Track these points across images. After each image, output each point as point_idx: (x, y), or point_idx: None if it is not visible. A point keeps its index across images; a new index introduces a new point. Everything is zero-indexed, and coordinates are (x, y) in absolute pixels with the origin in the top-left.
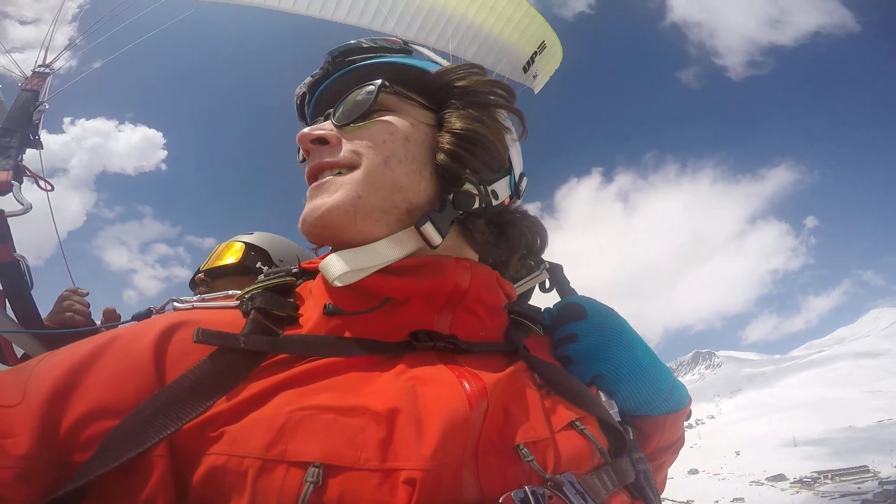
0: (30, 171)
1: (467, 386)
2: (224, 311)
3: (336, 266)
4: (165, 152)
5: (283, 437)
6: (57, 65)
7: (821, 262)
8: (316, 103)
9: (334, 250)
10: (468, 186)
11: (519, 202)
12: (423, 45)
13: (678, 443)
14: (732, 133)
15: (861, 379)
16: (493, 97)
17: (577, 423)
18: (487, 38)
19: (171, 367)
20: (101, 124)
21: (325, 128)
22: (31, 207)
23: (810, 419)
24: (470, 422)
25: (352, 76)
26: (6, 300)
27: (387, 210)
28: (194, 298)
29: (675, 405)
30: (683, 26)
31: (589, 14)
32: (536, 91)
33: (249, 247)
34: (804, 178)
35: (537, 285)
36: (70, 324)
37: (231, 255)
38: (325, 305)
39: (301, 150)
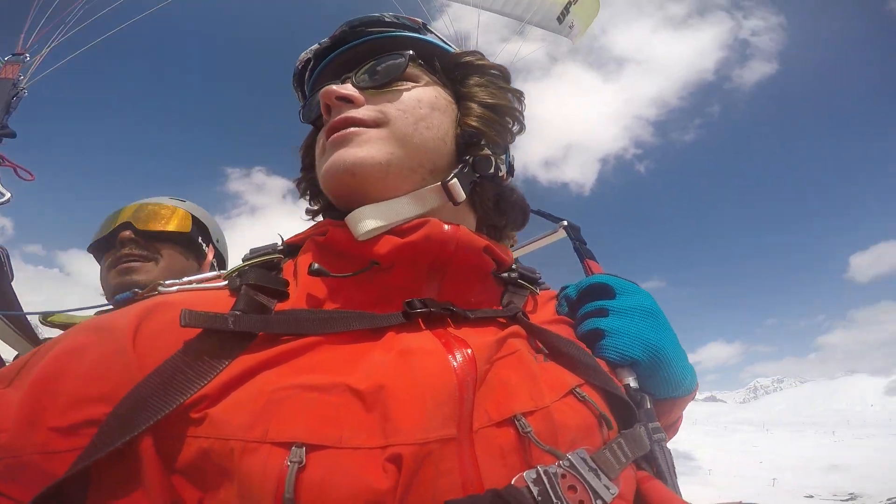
0: (7, 160)
1: (458, 355)
2: (208, 291)
3: (367, 219)
4: None
5: (263, 418)
6: (34, 52)
7: None
8: (324, 68)
9: (343, 207)
10: (486, 151)
11: (511, 179)
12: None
13: (679, 422)
14: None
15: None
16: (505, 81)
17: (577, 390)
18: None
19: (153, 350)
20: None
21: (348, 88)
22: (12, 198)
23: None
24: (458, 393)
25: (372, 46)
26: None
27: (414, 169)
28: (181, 280)
29: (690, 387)
30: None
31: None
32: (575, 42)
33: (193, 218)
34: None
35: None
36: None
37: (179, 221)
38: (309, 265)
39: (320, 107)
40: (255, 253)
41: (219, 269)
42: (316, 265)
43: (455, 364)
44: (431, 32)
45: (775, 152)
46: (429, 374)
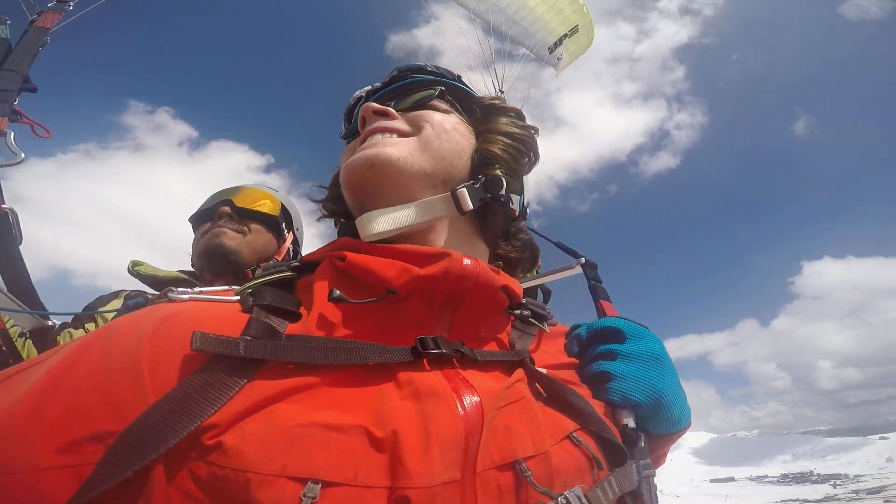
0: (26, 116)
1: (467, 400)
2: (220, 304)
3: (376, 222)
4: None
5: (283, 454)
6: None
7: None
8: (372, 102)
9: (356, 208)
10: (498, 172)
11: (524, 223)
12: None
13: (667, 454)
14: None
15: None
16: (521, 119)
17: (574, 434)
18: (520, 11)
19: (164, 365)
20: None
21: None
22: (25, 157)
23: None
24: (465, 440)
25: (412, 86)
26: None
27: (429, 174)
28: (193, 290)
29: (685, 424)
30: None
31: None
32: (558, 73)
33: (282, 206)
34: None
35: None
36: None
37: (270, 205)
38: (330, 291)
39: (358, 121)
40: (267, 271)
41: (293, 254)
42: (337, 292)
43: (462, 412)
44: (465, 84)
45: (644, 242)
46: (439, 422)
